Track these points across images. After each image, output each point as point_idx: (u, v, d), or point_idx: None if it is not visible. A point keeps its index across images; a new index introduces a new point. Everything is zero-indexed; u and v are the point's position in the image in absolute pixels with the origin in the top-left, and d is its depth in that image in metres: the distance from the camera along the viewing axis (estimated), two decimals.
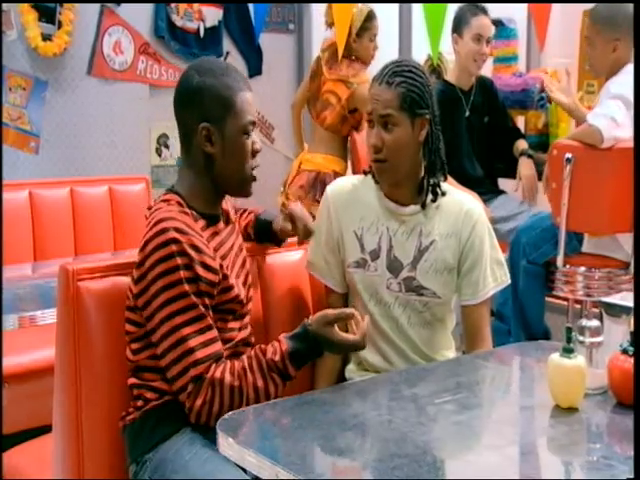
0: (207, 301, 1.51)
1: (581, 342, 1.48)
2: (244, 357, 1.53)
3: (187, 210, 1.56)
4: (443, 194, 1.84)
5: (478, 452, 1.24)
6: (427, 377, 1.60)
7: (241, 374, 1.49)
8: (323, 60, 3.73)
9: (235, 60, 4.66)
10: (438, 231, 1.83)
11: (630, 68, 2.80)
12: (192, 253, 1.49)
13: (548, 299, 3.10)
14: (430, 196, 1.83)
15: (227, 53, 4.61)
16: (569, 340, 1.41)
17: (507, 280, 1.90)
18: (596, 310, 1.53)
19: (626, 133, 2.70)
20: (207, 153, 1.57)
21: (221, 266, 1.56)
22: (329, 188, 1.90)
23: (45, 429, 1.82)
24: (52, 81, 3.90)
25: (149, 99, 4.27)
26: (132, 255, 1.60)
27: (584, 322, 1.50)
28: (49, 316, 2.12)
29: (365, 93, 3.66)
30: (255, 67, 4.71)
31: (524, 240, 3.01)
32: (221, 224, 1.66)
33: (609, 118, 2.68)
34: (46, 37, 3.79)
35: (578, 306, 3.09)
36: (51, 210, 3.13)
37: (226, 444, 1.25)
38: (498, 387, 1.61)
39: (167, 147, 4.50)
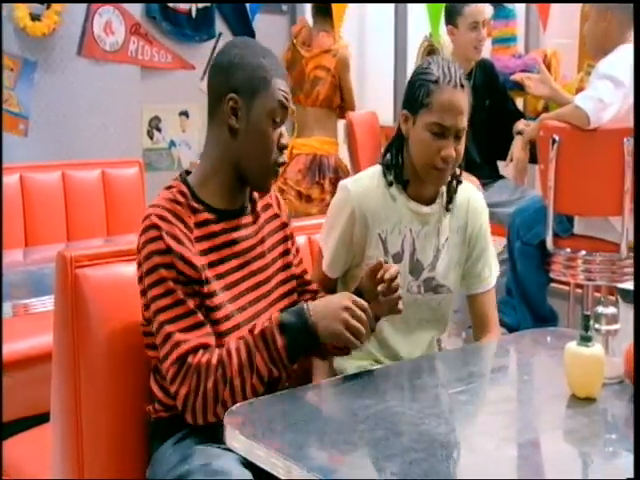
0: (189, 290, 1.43)
1: (597, 330, 1.44)
2: (231, 341, 1.44)
3: (182, 200, 1.48)
4: (456, 191, 1.79)
5: (497, 445, 1.19)
6: (438, 367, 1.56)
7: (224, 358, 1.39)
8: (298, 45, 3.93)
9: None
10: (450, 227, 1.79)
11: (622, 48, 2.77)
12: (170, 241, 1.42)
13: (550, 284, 3.08)
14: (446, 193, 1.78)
15: (220, 34, 4.53)
16: (587, 328, 1.37)
17: (498, 268, 1.89)
18: (612, 297, 1.50)
19: (613, 112, 2.67)
20: (231, 127, 1.49)
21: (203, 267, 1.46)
22: (352, 188, 1.76)
23: (40, 417, 1.78)
24: (41, 62, 3.82)
25: (140, 81, 4.20)
26: (130, 241, 1.56)
27: (600, 309, 1.45)
28: (44, 304, 2.06)
29: (347, 55, 3.90)
30: None
31: (518, 221, 3.01)
32: (241, 220, 1.54)
33: (596, 100, 2.66)
34: (35, 17, 3.71)
35: (580, 291, 3.07)
36: (42, 194, 3.06)
37: (234, 438, 1.20)
38: (511, 377, 1.57)
39: (159, 130, 4.43)
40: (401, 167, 1.77)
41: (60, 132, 3.90)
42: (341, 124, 4.15)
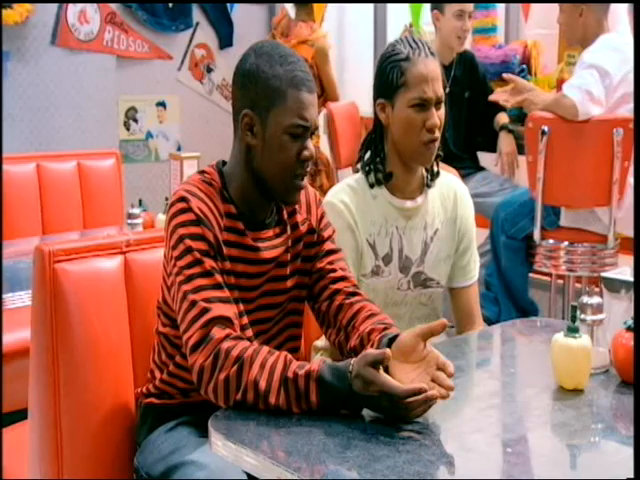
0: (216, 264, 1.37)
1: (582, 320, 1.43)
2: (265, 348, 1.33)
3: (215, 185, 1.43)
4: (438, 173, 1.79)
5: (490, 442, 1.18)
6: None
7: (244, 361, 1.27)
8: (277, 36, 3.94)
9: (205, 31, 4.54)
10: (439, 219, 1.79)
11: (605, 38, 2.78)
12: (199, 213, 1.38)
13: (531, 275, 3.09)
14: (428, 176, 1.78)
15: (197, 24, 4.48)
16: (574, 319, 1.36)
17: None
18: (596, 288, 1.49)
19: (601, 109, 2.68)
20: (247, 144, 1.42)
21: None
22: (337, 200, 1.73)
23: (14, 415, 1.74)
24: (14, 51, 3.74)
25: (116, 71, 4.14)
26: (110, 235, 1.52)
27: (585, 299, 1.45)
28: (20, 299, 2.02)
29: (325, 45, 3.90)
30: (226, 38, 4.59)
31: (502, 215, 3.00)
32: (267, 233, 1.46)
33: (584, 91, 2.66)
34: (7, 5, 3.63)
35: (561, 281, 3.07)
36: (17, 186, 2.99)
37: (220, 443, 1.16)
38: (498, 370, 1.56)
39: (136, 121, 4.37)
40: (383, 161, 1.74)
41: (34, 123, 3.83)
42: (321, 115, 4.12)
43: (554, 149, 2.74)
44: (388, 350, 1.24)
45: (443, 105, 1.69)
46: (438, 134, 1.68)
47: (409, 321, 1.78)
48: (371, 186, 1.75)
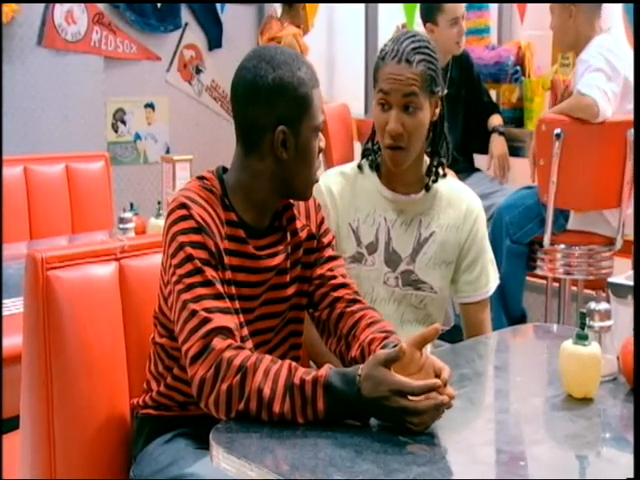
0: (217, 274, 1.33)
1: (590, 327, 1.40)
2: (267, 356, 1.28)
3: (216, 192, 1.38)
4: (444, 175, 1.76)
5: (501, 455, 1.14)
6: None
7: (248, 369, 1.23)
8: (258, 37, 4.01)
9: (194, 32, 4.49)
10: (437, 222, 1.76)
11: (600, 40, 2.78)
12: (200, 221, 1.33)
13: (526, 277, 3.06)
14: (431, 178, 1.76)
15: (186, 24, 4.43)
16: (583, 326, 1.33)
17: (498, 279, 1.86)
18: (603, 293, 1.46)
19: (612, 109, 2.67)
20: (279, 159, 1.38)
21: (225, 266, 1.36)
22: (322, 182, 1.74)
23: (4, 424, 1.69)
24: None
25: (104, 72, 4.08)
26: (104, 241, 1.48)
27: (593, 305, 1.42)
28: (9, 306, 1.96)
29: (292, 40, 3.88)
30: (215, 39, 4.54)
31: (507, 219, 2.94)
32: (268, 240, 1.43)
33: (602, 90, 2.64)
34: None
35: (556, 284, 3.05)
36: (4, 190, 2.93)
37: (222, 457, 1.11)
38: (504, 378, 1.53)
39: (124, 123, 4.32)
40: (376, 152, 1.77)
41: (21, 125, 3.78)
42: None
43: (565, 151, 2.70)
44: (404, 345, 1.20)
45: (420, 115, 1.64)
46: (401, 143, 1.65)
47: (402, 324, 1.75)
48: (359, 167, 1.76)
